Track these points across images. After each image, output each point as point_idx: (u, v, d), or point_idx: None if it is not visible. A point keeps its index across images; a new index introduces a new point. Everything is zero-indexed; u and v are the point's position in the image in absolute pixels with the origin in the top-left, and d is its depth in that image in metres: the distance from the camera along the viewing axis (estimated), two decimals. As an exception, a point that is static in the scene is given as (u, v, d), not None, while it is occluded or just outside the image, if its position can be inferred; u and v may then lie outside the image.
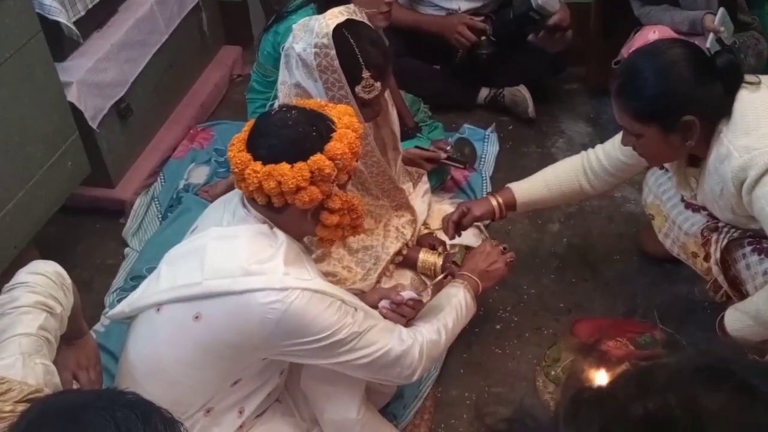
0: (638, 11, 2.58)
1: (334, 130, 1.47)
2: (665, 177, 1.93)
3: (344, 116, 1.50)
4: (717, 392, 0.51)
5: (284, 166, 1.40)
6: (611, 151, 1.98)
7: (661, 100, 1.61)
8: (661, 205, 1.94)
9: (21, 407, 1.05)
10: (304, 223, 1.51)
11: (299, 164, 1.40)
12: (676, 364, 0.55)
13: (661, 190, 1.94)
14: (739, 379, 0.52)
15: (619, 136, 1.84)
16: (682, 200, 1.88)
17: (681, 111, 1.59)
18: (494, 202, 2.05)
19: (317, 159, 1.41)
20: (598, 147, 2.04)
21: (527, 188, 2.07)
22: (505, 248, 1.94)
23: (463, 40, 2.72)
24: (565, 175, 2.06)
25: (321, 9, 1.99)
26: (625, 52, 2.41)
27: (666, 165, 1.88)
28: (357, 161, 1.50)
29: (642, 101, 1.63)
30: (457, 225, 2.05)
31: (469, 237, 2.18)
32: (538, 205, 2.15)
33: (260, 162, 1.42)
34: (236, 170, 1.45)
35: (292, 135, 1.44)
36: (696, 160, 1.73)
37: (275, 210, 1.47)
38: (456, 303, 1.76)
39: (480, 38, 2.73)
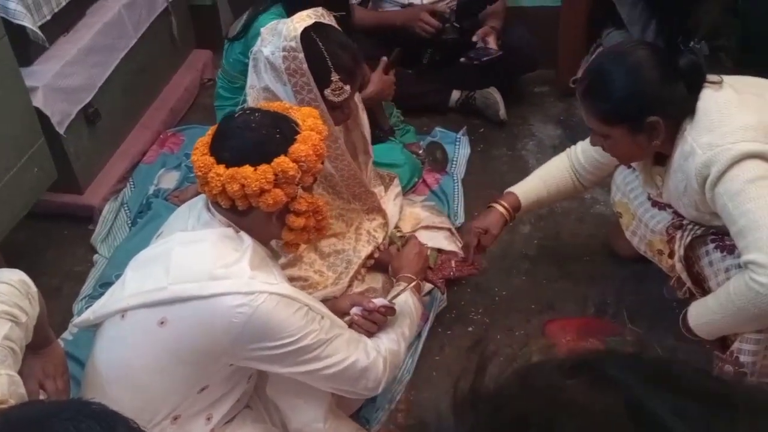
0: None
1: (299, 132, 1.46)
2: (633, 175, 1.95)
3: (308, 118, 1.50)
4: (580, 383, 0.52)
5: (247, 169, 1.39)
6: (588, 149, 2.01)
7: (627, 102, 1.63)
8: (629, 203, 1.97)
9: (-16, 419, 1.04)
10: (269, 226, 1.50)
11: (263, 167, 1.40)
12: (557, 361, 0.56)
13: (628, 188, 1.97)
14: (597, 371, 0.53)
15: None
16: (649, 198, 1.91)
17: (647, 112, 1.62)
18: (501, 210, 2.06)
19: (281, 161, 1.41)
20: (579, 144, 2.07)
21: (529, 190, 2.09)
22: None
23: (428, 27, 2.73)
24: (558, 173, 2.09)
25: (292, 13, 1.99)
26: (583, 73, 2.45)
27: (633, 164, 1.90)
28: (322, 163, 1.50)
29: (609, 104, 1.65)
30: (477, 248, 2.05)
31: (441, 240, 2.19)
32: (539, 205, 2.18)
33: (223, 165, 1.41)
34: (199, 174, 1.44)
35: (256, 137, 1.44)
36: (662, 158, 1.76)
37: (240, 213, 1.47)
38: (407, 309, 1.76)
39: (444, 25, 2.75)
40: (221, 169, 1.41)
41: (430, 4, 2.79)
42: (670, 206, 1.84)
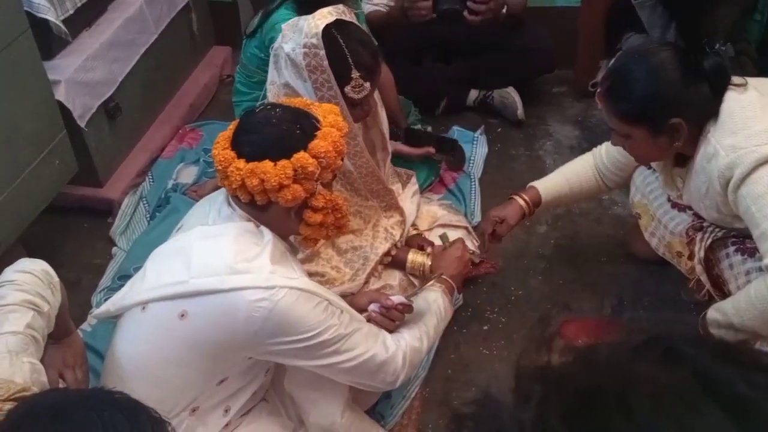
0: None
1: (319, 129, 1.47)
2: (653, 176, 1.94)
3: (329, 115, 1.50)
4: (645, 359, 0.53)
5: (267, 164, 1.40)
6: (611, 150, 2.01)
7: (649, 103, 1.62)
8: (648, 204, 1.96)
9: (8, 406, 1.05)
10: (288, 221, 1.51)
11: (282, 162, 1.40)
12: (616, 343, 0.57)
13: (648, 189, 1.96)
14: (667, 347, 0.53)
15: None
16: (669, 199, 1.90)
17: (669, 114, 1.61)
18: (521, 202, 2.06)
19: (301, 157, 1.41)
20: (604, 145, 2.07)
21: (551, 186, 2.09)
22: (472, 252, 1.96)
23: (420, 11, 2.61)
24: (584, 171, 2.08)
25: (302, 9, 1.99)
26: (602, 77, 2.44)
27: (653, 164, 1.90)
28: (342, 160, 1.50)
29: (630, 104, 1.65)
30: (492, 235, 2.06)
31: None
32: (560, 202, 2.18)
33: (243, 160, 1.42)
34: (220, 168, 1.45)
35: (276, 133, 1.44)
36: (682, 159, 1.75)
37: (259, 208, 1.47)
38: (436, 308, 1.76)
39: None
40: (241, 163, 1.42)
41: None
42: (690, 208, 1.83)
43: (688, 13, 2.42)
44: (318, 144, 1.43)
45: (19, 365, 1.18)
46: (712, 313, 1.75)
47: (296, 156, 1.41)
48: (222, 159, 1.44)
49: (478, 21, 2.60)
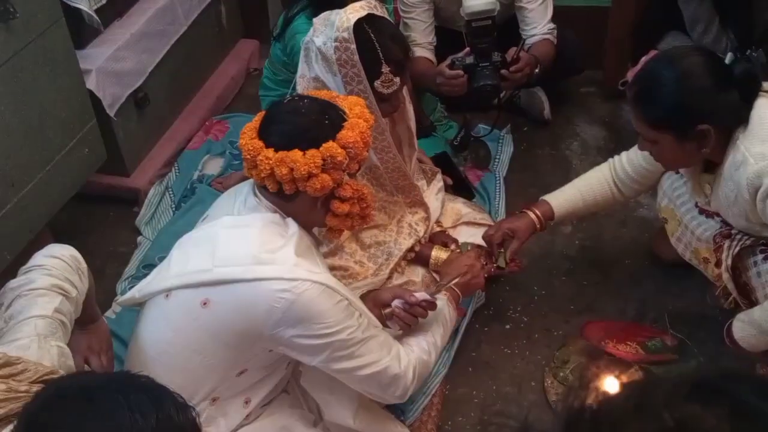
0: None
1: (346, 120, 1.47)
2: (680, 181, 1.92)
3: (355, 106, 1.51)
4: (712, 411, 0.51)
5: (296, 153, 1.41)
6: (634, 158, 1.99)
7: (677, 109, 1.60)
8: (675, 210, 1.94)
9: (36, 388, 1.07)
10: (314, 211, 1.51)
11: (311, 151, 1.41)
12: (674, 381, 0.55)
13: (675, 194, 1.94)
14: (735, 398, 0.51)
15: None
16: (696, 205, 1.88)
17: (697, 120, 1.59)
18: (533, 217, 2.05)
19: (329, 146, 1.42)
20: (624, 154, 2.04)
21: (564, 200, 2.07)
22: (488, 258, 1.97)
23: (454, 88, 2.38)
24: (598, 184, 2.06)
25: (316, 11, 1.98)
26: (631, 75, 2.40)
27: (681, 170, 1.87)
28: (368, 151, 1.50)
29: (658, 110, 1.63)
30: (500, 245, 2.05)
31: (480, 240, 2.17)
32: (574, 216, 2.17)
33: (272, 149, 1.43)
34: (248, 157, 1.46)
35: (305, 123, 1.45)
36: (711, 166, 1.73)
37: (286, 198, 1.48)
38: (442, 318, 1.76)
39: (473, 67, 2.34)
40: (270, 152, 1.42)
41: (446, 67, 2.35)
42: (718, 214, 1.80)
43: (735, 6, 2.39)
44: (346, 134, 1.44)
45: (47, 348, 1.20)
46: (738, 321, 1.73)
47: (325, 146, 1.42)
48: (251, 148, 1.45)
49: (511, 86, 2.47)
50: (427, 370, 1.70)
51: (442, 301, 1.78)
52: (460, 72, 2.31)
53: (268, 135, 1.46)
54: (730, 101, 1.59)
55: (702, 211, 1.86)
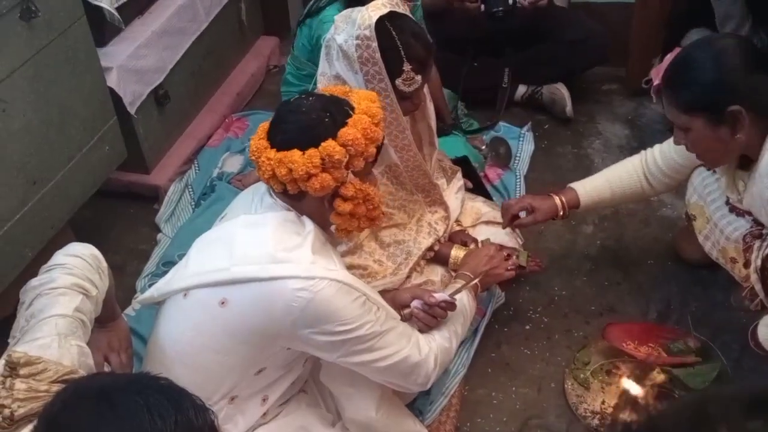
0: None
1: (351, 116, 1.46)
2: (712, 178, 1.88)
3: (363, 101, 1.49)
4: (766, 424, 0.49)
5: (295, 153, 1.40)
6: (667, 151, 1.96)
7: (708, 88, 1.58)
8: (705, 207, 1.90)
9: (56, 387, 1.07)
10: (322, 210, 1.51)
11: (310, 151, 1.40)
12: (731, 395, 0.53)
13: (706, 191, 1.90)
14: None
15: None
16: (727, 203, 1.84)
17: (728, 100, 1.55)
18: (557, 202, 2.04)
19: (328, 145, 1.40)
20: (656, 147, 2.02)
21: (591, 190, 2.06)
22: (508, 255, 1.94)
23: (468, 10, 2.57)
24: (628, 176, 2.04)
25: (350, 2, 1.99)
26: (655, 74, 2.36)
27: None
28: (376, 148, 1.48)
29: (688, 91, 1.61)
30: (513, 218, 2.05)
31: (502, 236, 2.16)
32: (600, 205, 2.15)
33: (274, 149, 1.42)
34: (253, 158, 1.47)
35: (305, 121, 1.44)
36: (747, 163, 1.70)
37: (294, 197, 1.48)
38: (462, 307, 1.75)
39: None
40: (272, 153, 1.42)
41: None
42: (749, 213, 1.77)
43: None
44: (347, 132, 1.42)
45: (67, 348, 1.20)
46: (764, 324, 1.70)
47: (324, 144, 1.41)
48: (255, 149, 1.46)
49: (530, 8, 2.54)
50: (449, 358, 1.69)
51: (462, 291, 1.77)
52: None
53: (273, 135, 1.46)
54: (765, 85, 1.56)
55: (733, 209, 1.83)
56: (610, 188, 2.05)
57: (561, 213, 2.04)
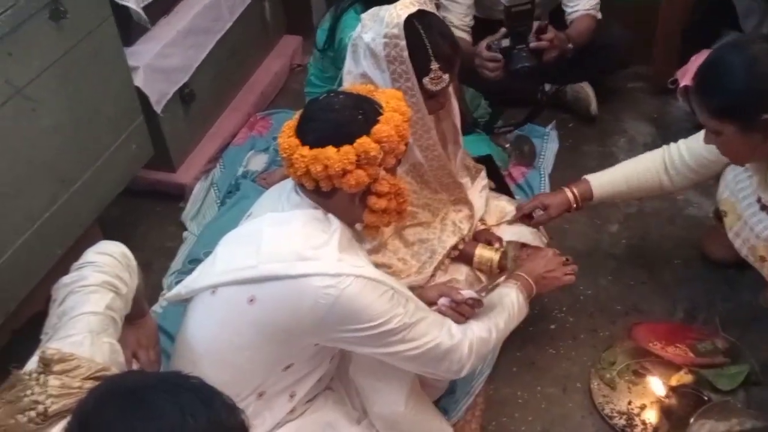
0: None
1: (381, 114, 1.46)
2: (745, 175, 1.86)
3: (392, 99, 1.50)
4: None
5: (330, 150, 1.40)
6: (695, 147, 1.94)
7: (741, 97, 1.56)
8: (736, 203, 1.88)
9: (88, 384, 1.08)
10: (352, 207, 1.51)
11: (345, 147, 1.40)
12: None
13: (738, 187, 1.88)
14: None
15: (703, 132, 1.79)
16: (758, 201, 1.82)
17: (761, 109, 1.54)
18: (570, 195, 2.03)
19: (363, 142, 1.41)
20: (681, 142, 2.00)
21: (606, 182, 2.05)
22: (567, 259, 1.92)
23: (490, 65, 2.40)
24: (646, 170, 2.02)
25: (368, 5, 1.98)
26: (680, 74, 2.35)
27: (747, 165, 1.82)
28: (405, 145, 1.48)
29: (721, 98, 1.59)
30: (526, 216, 2.05)
31: (527, 235, 2.15)
32: (617, 198, 2.14)
33: (307, 147, 1.43)
34: (284, 156, 1.46)
35: (338, 119, 1.44)
36: None
37: (324, 195, 1.48)
38: (508, 303, 1.74)
39: (510, 51, 2.37)
40: (305, 150, 1.42)
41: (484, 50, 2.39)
42: (780, 213, 1.76)
43: None
44: (380, 128, 1.42)
45: (99, 345, 1.22)
46: None
47: (359, 141, 1.41)
48: (287, 147, 1.45)
49: (552, 60, 2.45)
50: (487, 349, 1.68)
51: (511, 288, 1.78)
52: (498, 55, 2.35)
53: (303, 133, 1.46)
54: None
55: (764, 208, 1.81)
56: (627, 182, 2.04)
57: (574, 206, 2.03)
